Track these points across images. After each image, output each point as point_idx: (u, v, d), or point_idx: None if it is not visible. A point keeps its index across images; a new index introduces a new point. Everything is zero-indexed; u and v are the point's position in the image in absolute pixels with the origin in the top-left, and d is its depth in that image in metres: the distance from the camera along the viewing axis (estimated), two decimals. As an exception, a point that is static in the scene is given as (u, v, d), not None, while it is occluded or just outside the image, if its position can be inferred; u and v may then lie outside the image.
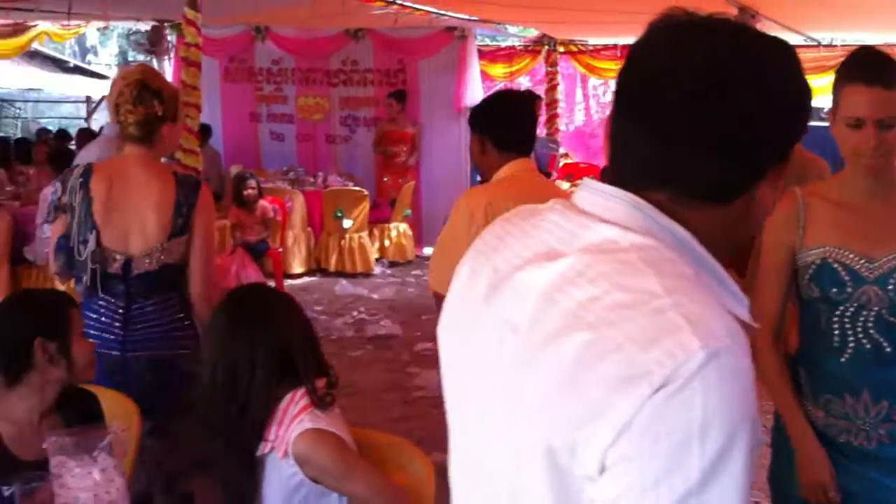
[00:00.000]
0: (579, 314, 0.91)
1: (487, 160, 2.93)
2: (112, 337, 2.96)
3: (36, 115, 19.74)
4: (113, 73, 19.00)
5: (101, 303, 3.00)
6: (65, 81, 15.90)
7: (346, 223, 9.25)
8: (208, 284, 3.03)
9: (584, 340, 0.89)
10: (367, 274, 9.34)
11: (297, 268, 9.25)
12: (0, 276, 6.74)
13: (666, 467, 0.84)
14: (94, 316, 3.00)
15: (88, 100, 17.58)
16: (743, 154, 0.99)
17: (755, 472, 0.90)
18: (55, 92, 18.21)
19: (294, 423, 2.13)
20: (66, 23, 10.53)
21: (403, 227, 9.84)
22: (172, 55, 10.98)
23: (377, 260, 9.64)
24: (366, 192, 9.43)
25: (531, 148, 3.00)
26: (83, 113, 18.48)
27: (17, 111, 19.60)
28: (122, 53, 25.75)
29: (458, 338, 1.15)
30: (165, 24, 9.97)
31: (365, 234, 9.44)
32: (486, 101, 3.14)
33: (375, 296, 8.44)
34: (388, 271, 9.51)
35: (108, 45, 28.05)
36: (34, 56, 14.00)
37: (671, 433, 0.84)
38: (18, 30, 10.69)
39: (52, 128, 13.80)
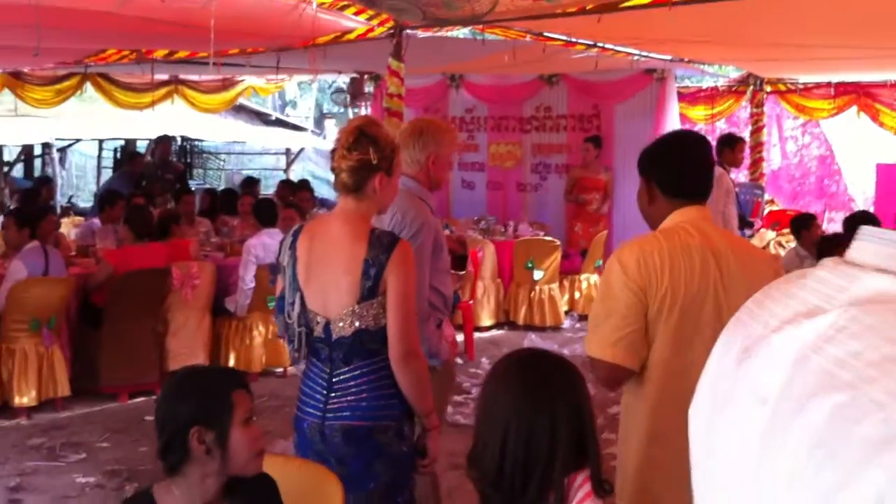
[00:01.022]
0: (834, 373, 0.78)
1: (655, 208, 2.58)
2: (315, 403, 2.84)
3: (238, 167, 20.76)
4: (310, 125, 19.80)
5: (311, 367, 2.91)
6: (266, 134, 16.64)
7: (538, 274, 8.99)
8: (407, 350, 2.78)
9: (839, 402, 0.76)
10: (557, 327, 9.04)
11: (486, 320, 9.06)
12: (202, 327, 6.98)
13: None
14: (307, 381, 2.92)
15: (288, 152, 18.33)
16: None
17: None
18: (257, 145, 19.13)
19: None
20: (271, 77, 10.95)
21: (595, 278, 9.41)
22: (370, 104, 11.23)
23: (567, 313, 9.30)
24: (558, 243, 9.14)
25: (706, 195, 2.61)
26: (283, 164, 19.29)
27: (221, 163, 20.71)
28: (318, 106, 26.91)
29: (704, 420, 0.98)
30: (365, 76, 10.17)
31: (555, 285, 9.13)
32: (655, 143, 2.73)
33: (566, 351, 8.09)
34: (578, 325, 9.13)
35: (306, 99, 29.42)
36: (240, 110, 14.70)
37: None
38: (227, 84, 11.21)
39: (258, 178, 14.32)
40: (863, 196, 13.01)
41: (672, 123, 9.73)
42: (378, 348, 2.81)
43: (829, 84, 9.48)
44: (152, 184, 10.37)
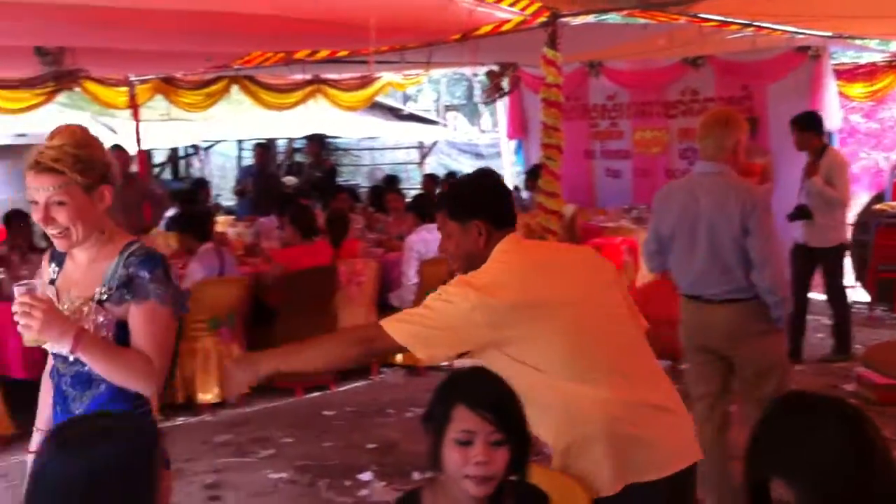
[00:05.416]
0: None
1: (488, 247, 2.58)
2: None
3: (371, 162, 21.03)
4: (432, 117, 19.88)
5: None
6: (400, 129, 16.81)
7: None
8: None
9: None
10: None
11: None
12: (369, 321, 7.06)
13: None
14: None
15: (421, 145, 18.45)
16: None
17: None
18: (390, 140, 19.33)
19: None
20: (408, 73, 11.00)
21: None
22: (505, 96, 11.19)
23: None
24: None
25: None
26: (414, 158, 19.43)
27: (355, 159, 21.04)
28: (438, 99, 27.11)
29: None
30: (503, 68, 10.14)
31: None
32: (463, 187, 2.81)
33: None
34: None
35: (425, 92, 29.61)
36: (374, 106, 14.86)
37: None
38: (366, 82, 11.29)
39: (396, 174, 14.40)
40: None
41: (831, 103, 9.30)
42: None
43: None
44: (305, 182, 10.63)
